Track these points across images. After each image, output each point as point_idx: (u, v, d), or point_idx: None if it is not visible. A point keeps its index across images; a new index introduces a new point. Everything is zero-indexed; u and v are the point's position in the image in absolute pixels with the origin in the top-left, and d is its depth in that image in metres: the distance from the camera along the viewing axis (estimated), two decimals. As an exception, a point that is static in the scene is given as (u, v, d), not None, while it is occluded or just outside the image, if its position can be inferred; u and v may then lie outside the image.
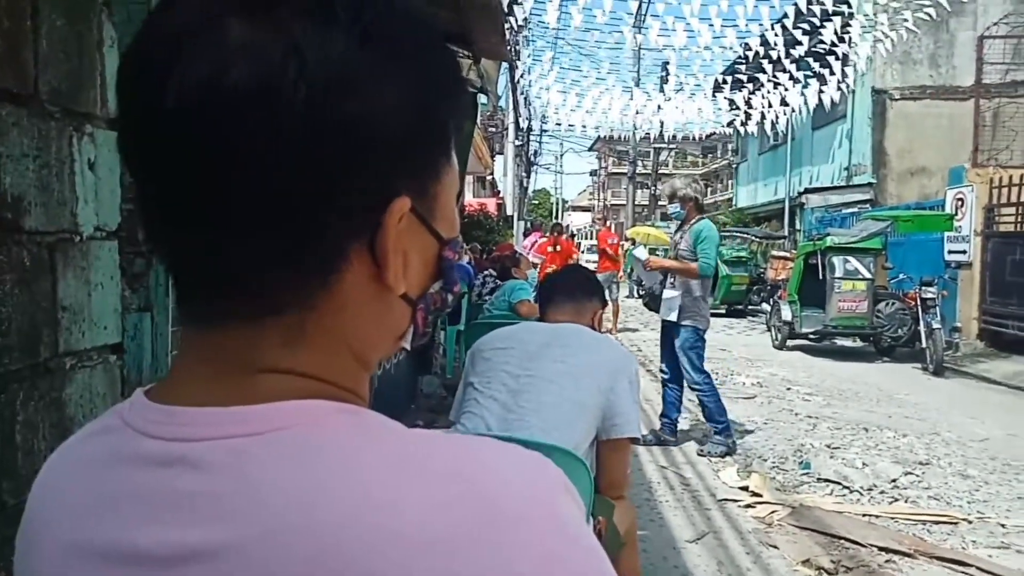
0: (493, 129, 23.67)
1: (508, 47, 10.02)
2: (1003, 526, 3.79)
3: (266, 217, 0.42)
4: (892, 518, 3.90)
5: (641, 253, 5.29)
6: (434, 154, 0.49)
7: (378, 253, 0.46)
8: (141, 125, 0.43)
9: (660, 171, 35.66)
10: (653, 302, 5.22)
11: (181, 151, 0.41)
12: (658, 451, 5.08)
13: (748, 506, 4.03)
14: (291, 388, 0.45)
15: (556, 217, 61.05)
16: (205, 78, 0.40)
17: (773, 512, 3.91)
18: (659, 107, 15.24)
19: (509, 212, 20.29)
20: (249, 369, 0.45)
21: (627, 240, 28.07)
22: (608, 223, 20.64)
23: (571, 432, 2.00)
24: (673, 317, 4.96)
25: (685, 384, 5.13)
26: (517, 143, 20.73)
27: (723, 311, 15.25)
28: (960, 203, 10.54)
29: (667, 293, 5.01)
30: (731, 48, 11.93)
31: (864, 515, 3.94)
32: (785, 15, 10.90)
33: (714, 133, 17.80)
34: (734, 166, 29.09)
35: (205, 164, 0.41)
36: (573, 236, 16.27)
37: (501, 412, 2.03)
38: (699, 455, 4.95)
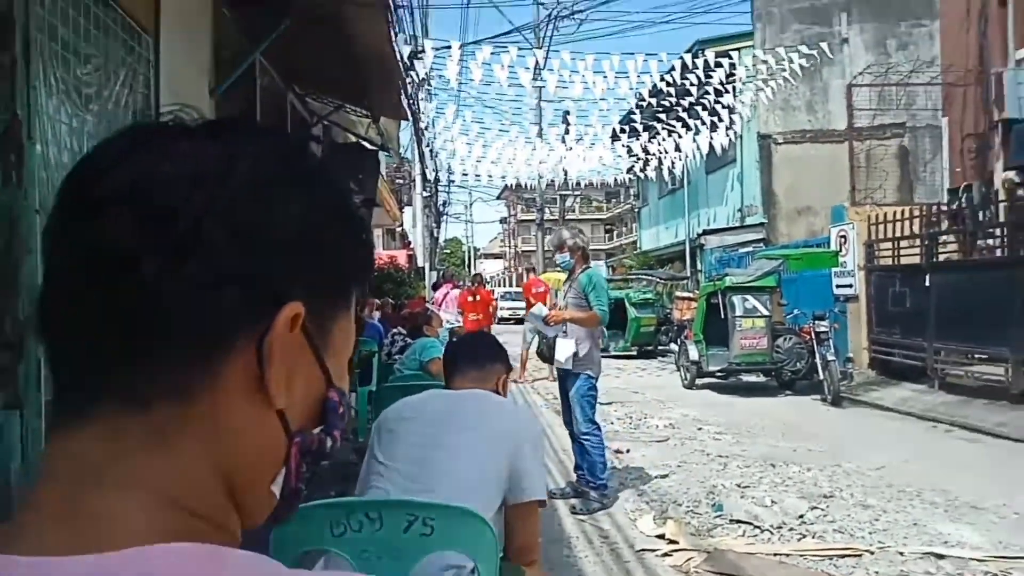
0: (400, 181, 23.70)
1: (410, 101, 10.11)
2: (901, 554, 3.96)
3: (155, 295, 0.44)
4: (801, 555, 4.00)
5: (540, 310, 5.29)
6: (331, 280, 0.51)
7: (264, 351, 0.46)
8: (65, 219, 0.47)
9: (567, 217, 36.54)
10: (548, 351, 5.21)
11: (89, 241, 0.44)
12: (577, 503, 5.05)
13: (666, 555, 4.05)
14: (144, 522, 0.42)
15: (469, 265, 61.37)
16: (126, 185, 0.45)
17: (689, 559, 3.94)
18: (562, 157, 15.68)
19: (420, 263, 20.24)
20: (100, 488, 0.43)
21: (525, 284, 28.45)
22: (535, 271, 20.86)
23: (477, 500, 1.97)
24: (569, 365, 4.99)
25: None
26: (425, 194, 20.81)
27: (634, 352, 15.60)
28: (843, 240, 11.25)
29: (560, 343, 5.04)
30: (625, 99, 12.46)
31: (775, 554, 4.03)
32: (672, 68, 11.51)
33: (616, 181, 18.44)
34: (636, 210, 30.17)
35: (104, 250, 0.44)
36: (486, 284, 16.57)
37: (405, 484, 1.99)
38: (572, 512, 4.83)
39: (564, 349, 4.99)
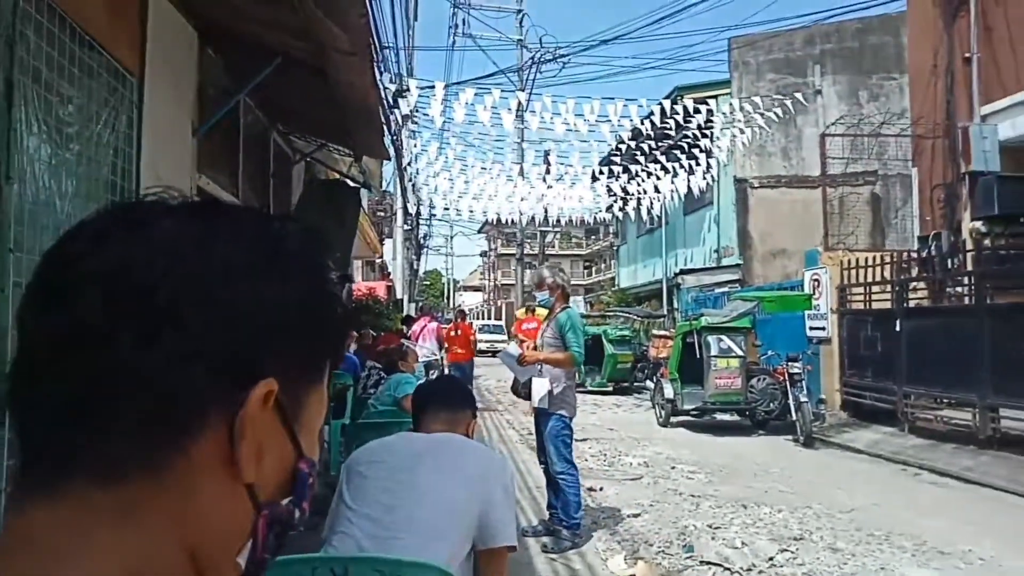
0: (382, 214, 23.77)
1: (394, 138, 10.22)
2: (869, 599, 3.99)
3: (129, 371, 0.45)
4: (770, 599, 4.02)
5: (513, 350, 5.27)
6: (304, 357, 0.52)
7: (236, 428, 0.46)
8: (43, 294, 0.47)
9: (547, 252, 36.73)
10: (523, 389, 5.20)
11: (66, 316, 0.45)
12: (548, 541, 5.03)
13: (635, 596, 4.05)
14: None
15: (448, 297, 61.21)
16: (105, 262, 0.46)
17: (659, 602, 3.95)
18: (543, 195, 15.85)
19: (400, 295, 20.21)
20: (67, 562, 0.43)
21: (517, 321, 28.45)
22: (528, 309, 20.92)
23: (447, 545, 1.97)
24: (544, 404, 5.01)
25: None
26: (406, 228, 20.88)
27: (610, 389, 15.64)
28: (816, 283, 11.45)
29: (536, 383, 5.05)
30: (606, 141, 12.68)
31: (744, 598, 4.05)
32: (652, 112, 11.77)
33: (596, 219, 18.66)
34: (615, 248, 30.44)
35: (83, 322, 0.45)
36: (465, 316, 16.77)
37: (374, 530, 1.98)
38: (543, 551, 4.82)
39: (539, 389, 5.01)
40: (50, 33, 2.22)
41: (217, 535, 0.48)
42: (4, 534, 0.46)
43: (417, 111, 10.62)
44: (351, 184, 6.90)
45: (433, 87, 9.45)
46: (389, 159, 8.11)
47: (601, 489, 6.56)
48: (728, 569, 4.48)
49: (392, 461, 2.10)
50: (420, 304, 21.04)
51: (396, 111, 9.62)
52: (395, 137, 10.84)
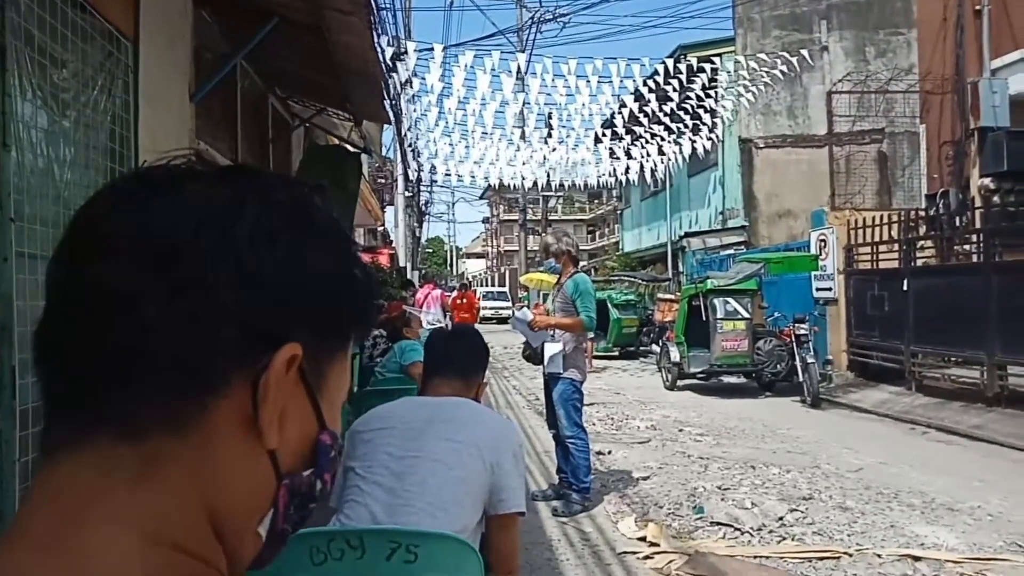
0: (383, 181, 23.61)
1: (393, 103, 10.07)
2: (879, 556, 4.01)
3: (154, 331, 0.45)
4: (781, 557, 4.04)
5: (525, 315, 5.21)
6: (330, 324, 0.52)
7: (259, 391, 0.47)
8: (70, 255, 0.48)
9: (550, 217, 36.60)
10: (535, 355, 5.18)
11: (94, 277, 0.46)
12: (559, 504, 5.06)
13: (647, 557, 4.07)
14: (130, 557, 0.43)
15: (451, 264, 61.20)
16: (133, 224, 0.47)
17: (670, 562, 3.97)
18: (545, 158, 15.69)
19: (402, 263, 20.17)
20: (90, 521, 0.43)
21: (521, 287, 28.49)
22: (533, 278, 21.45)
23: (459, 512, 1.96)
24: (558, 369, 5.00)
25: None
26: (407, 194, 20.75)
27: (616, 353, 15.67)
28: (823, 244, 11.37)
29: (549, 347, 5.02)
30: (609, 104, 12.49)
31: (755, 557, 4.07)
32: (655, 72, 11.56)
33: (599, 183, 18.49)
34: (619, 212, 30.29)
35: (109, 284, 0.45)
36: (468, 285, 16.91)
37: (386, 498, 1.97)
38: (553, 515, 4.83)
39: (552, 352, 4.99)
40: (40, -5, 2.15)
41: (238, 501, 0.49)
42: (30, 491, 0.47)
43: (416, 75, 10.46)
44: (351, 149, 6.82)
45: (431, 49, 9.28)
46: (390, 123, 8.00)
47: (609, 453, 6.60)
48: (738, 529, 4.51)
49: (400, 427, 2.08)
50: (424, 272, 21.05)
51: (395, 75, 9.47)
52: (394, 102, 10.69)
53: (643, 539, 4.33)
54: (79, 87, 2.45)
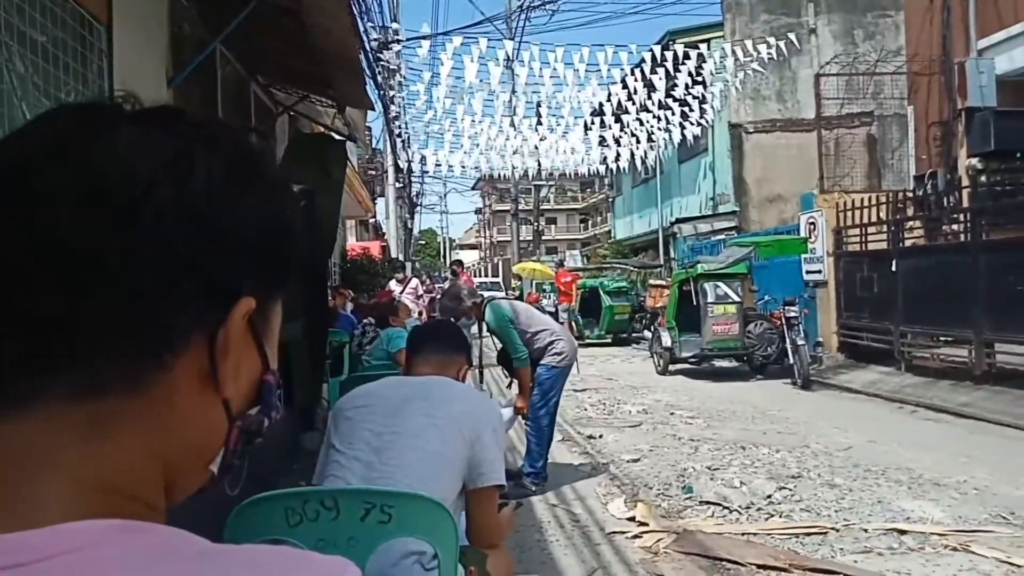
0: (373, 172, 23.52)
1: (380, 92, 10.05)
2: (865, 531, 4.04)
3: (116, 290, 0.44)
4: (768, 534, 4.07)
5: (508, 413, 4.82)
6: (276, 275, 0.53)
7: (218, 345, 0.48)
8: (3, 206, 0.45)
9: (542, 206, 36.57)
10: (506, 358, 5.16)
11: (40, 232, 0.44)
12: (550, 491, 5.09)
13: (636, 536, 4.10)
14: (80, 504, 0.43)
15: (444, 256, 61.13)
16: (80, 175, 0.44)
17: (659, 540, 3.99)
18: (535, 147, 15.65)
19: (394, 254, 20.13)
20: (38, 473, 0.43)
21: (514, 277, 28.47)
22: (565, 265, 21.53)
23: (437, 486, 1.97)
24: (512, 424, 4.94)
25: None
26: (397, 185, 20.68)
27: (608, 340, 15.72)
28: (812, 227, 11.40)
29: (504, 412, 4.88)
30: (597, 92, 12.45)
31: (743, 534, 4.10)
32: (643, 60, 11.53)
33: (590, 171, 18.45)
34: (610, 200, 30.27)
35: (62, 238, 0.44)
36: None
37: (364, 472, 1.98)
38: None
39: (507, 416, 4.74)
40: (9, -23, 2.13)
41: (192, 447, 0.50)
42: None
43: (404, 63, 10.42)
44: (337, 137, 6.79)
45: (420, 36, 9.24)
46: (373, 108, 7.96)
47: (601, 436, 6.62)
48: (727, 508, 4.53)
49: (380, 405, 2.10)
50: (418, 260, 21.00)
51: (383, 63, 9.42)
52: (381, 90, 10.64)
53: (632, 519, 4.35)
54: (51, 72, 2.43)
